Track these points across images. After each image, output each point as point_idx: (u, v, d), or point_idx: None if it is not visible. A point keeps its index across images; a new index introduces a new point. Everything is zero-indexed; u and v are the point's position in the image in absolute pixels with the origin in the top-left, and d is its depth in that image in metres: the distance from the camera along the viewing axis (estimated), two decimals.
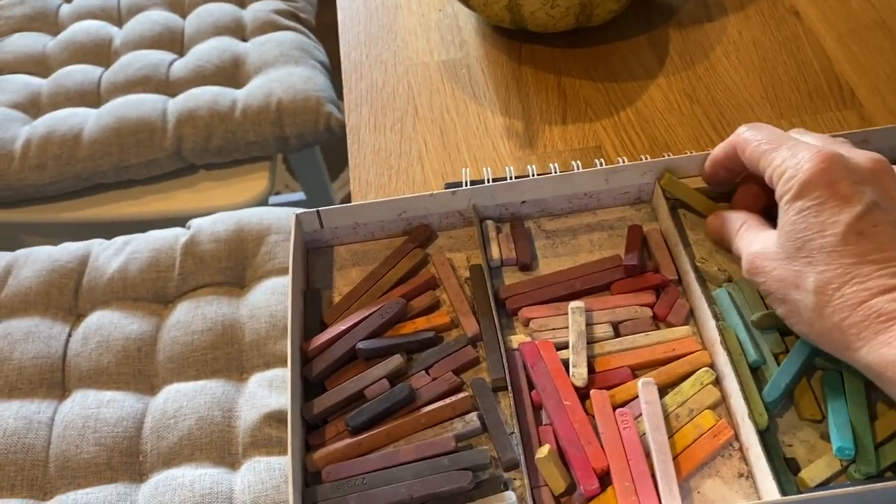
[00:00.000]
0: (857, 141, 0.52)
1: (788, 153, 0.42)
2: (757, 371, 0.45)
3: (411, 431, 0.44)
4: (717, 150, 0.49)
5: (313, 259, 0.54)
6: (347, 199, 1.68)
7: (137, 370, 0.74)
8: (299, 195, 1.45)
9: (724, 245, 0.50)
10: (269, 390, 0.71)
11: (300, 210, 0.52)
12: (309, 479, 0.43)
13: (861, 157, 0.42)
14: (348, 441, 0.44)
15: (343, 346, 0.47)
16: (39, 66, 1.14)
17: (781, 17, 0.70)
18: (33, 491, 0.66)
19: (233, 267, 0.81)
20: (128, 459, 0.67)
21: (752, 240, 0.45)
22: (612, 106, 0.64)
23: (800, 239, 0.41)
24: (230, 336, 0.75)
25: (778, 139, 0.44)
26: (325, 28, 1.25)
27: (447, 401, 0.45)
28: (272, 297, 0.77)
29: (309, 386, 0.47)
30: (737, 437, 0.43)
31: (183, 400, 0.70)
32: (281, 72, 1.06)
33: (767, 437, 0.43)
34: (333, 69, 1.13)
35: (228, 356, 0.74)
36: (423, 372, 0.46)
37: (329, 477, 0.42)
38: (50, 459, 0.67)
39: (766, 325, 0.46)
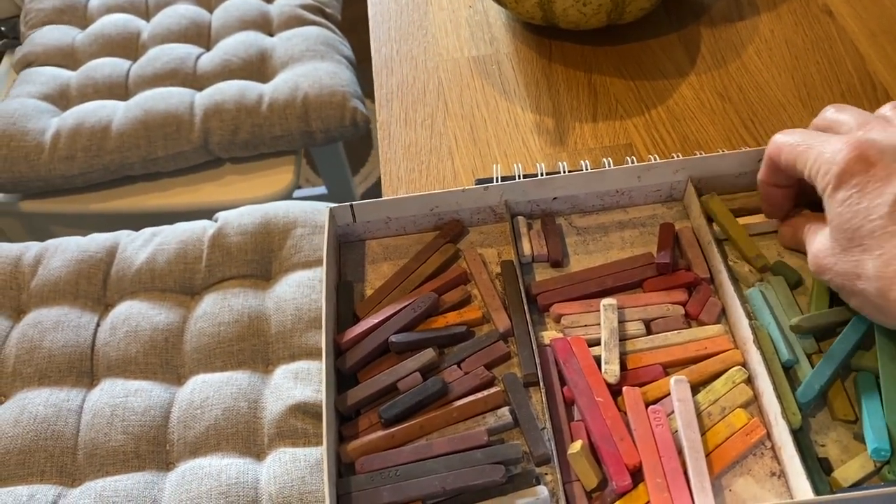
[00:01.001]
0: None
1: (822, 148, 0.43)
2: (790, 370, 0.45)
3: (444, 425, 0.44)
4: (761, 171, 0.49)
5: (345, 252, 0.54)
6: (368, 193, 1.68)
7: (165, 360, 0.75)
8: (321, 189, 1.46)
9: (803, 250, 0.48)
10: (295, 382, 0.71)
11: (327, 204, 0.53)
12: (342, 469, 0.44)
13: None
14: (381, 433, 0.44)
15: (376, 339, 0.47)
16: (68, 58, 1.15)
17: (814, 15, 0.70)
18: (62, 477, 0.67)
19: (259, 259, 0.81)
20: (155, 448, 0.68)
21: (813, 239, 0.45)
22: (643, 104, 0.64)
23: (849, 229, 0.40)
24: (256, 328, 0.75)
25: (811, 138, 0.44)
26: (348, 22, 1.25)
27: (479, 395, 0.45)
28: (298, 290, 0.78)
29: (341, 378, 0.47)
30: (769, 435, 0.43)
31: (209, 390, 0.70)
32: (307, 66, 1.07)
33: (800, 437, 0.43)
34: (359, 63, 1.13)
35: (254, 348, 0.74)
36: (456, 366, 0.47)
37: (363, 468, 0.42)
38: (79, 447, 0.68)
39: (804, 331, 0.46)
